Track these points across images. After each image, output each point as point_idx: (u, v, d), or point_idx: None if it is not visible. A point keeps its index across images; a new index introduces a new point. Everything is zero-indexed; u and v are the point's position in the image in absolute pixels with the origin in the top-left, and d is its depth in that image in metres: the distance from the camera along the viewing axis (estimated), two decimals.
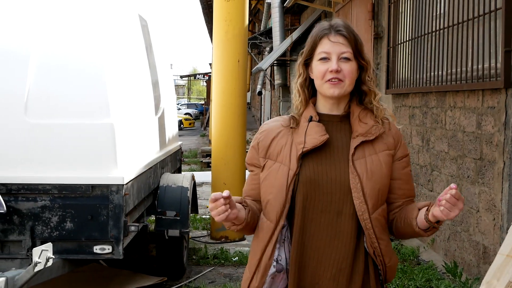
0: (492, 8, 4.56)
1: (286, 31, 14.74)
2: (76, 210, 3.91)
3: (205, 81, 46.22)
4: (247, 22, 6.85)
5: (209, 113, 29.37)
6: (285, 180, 1.99)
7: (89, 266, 5.29)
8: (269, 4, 15.57)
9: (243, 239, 6.68)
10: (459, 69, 5.18)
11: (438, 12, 5.85)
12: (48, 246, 3.46)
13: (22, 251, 3.89)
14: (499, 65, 4.41)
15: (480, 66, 4.76)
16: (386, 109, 2.08)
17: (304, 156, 2.00)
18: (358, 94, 2.07)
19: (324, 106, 2.06)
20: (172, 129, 6.49)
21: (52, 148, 3.94)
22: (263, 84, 20.72)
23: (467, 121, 5.03)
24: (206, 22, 31.82)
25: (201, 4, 26.37)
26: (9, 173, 3.88)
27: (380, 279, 2.05)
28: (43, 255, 3.40)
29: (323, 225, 1.99)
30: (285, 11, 14.44)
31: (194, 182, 5.90)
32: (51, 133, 3.94)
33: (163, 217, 5.09)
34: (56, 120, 3.96)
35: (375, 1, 7.84)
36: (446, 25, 5.50)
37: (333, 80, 1.97)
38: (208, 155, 14.64)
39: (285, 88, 15.33)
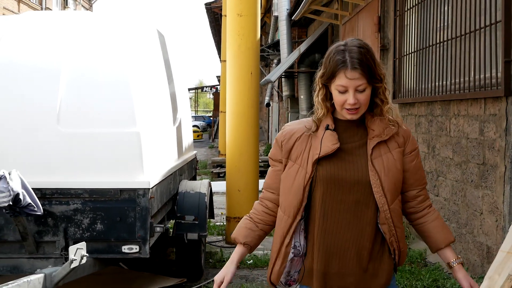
0: (493, 21, 4.77)
1: (293, 44, 15.01)
2: (106, 212, 4.20)
3: (212, 94, 46.56)
4: (259, 36, 7.14)
5: (217, 125, 29.68)
6: (303, 182, 2.29)
7: (110, 269, 5.55)
8: (276, 17, 15.86)
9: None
10: (462, 79, 5.42)
11: (442, 25, 6.10)
12: (83, 245, 3.75)
13: (56, 251, 4.18)
14: (499, 74, 4.64)
15: (482, 76, 4.99)
16: (394, 109, 2.36)
17: (324, 158, 2.28)
18: (370, 103, 2.32)
19: (342, 115, 2.33)
20: (188, 138, 6.78)
21: (83, 155, 4.24)
22: (271, 95, 21.00)
23: (470, 128, 5.27)
24: (213, 35, 32.13)
25: (208, 17, 26.67)
26: (44, 178, 4.19)
27: (394, 262, 2.34)
28: (78, 253, 3.70)
29: (343, 214, 2.28)
30: (292, 24, 14.73)
31: (211, 189, 6.17)
32: (82, 141, 4.25)
33: (182, 221, 5.35)
34: (86, 129, 4.27)
35: (381, 14, 8.08)
36: (449, 37, 5.74)
37: (351, 110, 2.24)
38: (219, 165, 14.93)
39: (293, 99, 15.60)
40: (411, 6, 6.99)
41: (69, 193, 4.20)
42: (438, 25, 6.15)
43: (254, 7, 7.02)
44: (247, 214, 2.51)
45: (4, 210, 3.86)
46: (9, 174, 3.79)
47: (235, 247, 2.55)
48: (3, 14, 23.71)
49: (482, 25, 4.99)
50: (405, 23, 7.20)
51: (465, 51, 5.34)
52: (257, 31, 7.10)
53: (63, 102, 4.31)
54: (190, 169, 6.78)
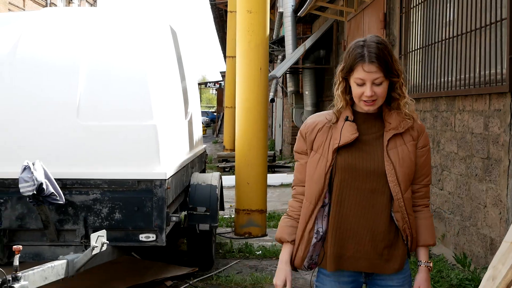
0: (498, 18, 4.90)
1: (298, 40, 15.12)
2: (124, 202, 4.36)
3: (216, 89, 46.62)
4: (268, 32, 7.29)
5: (221, 120, 29.78)
6: (324, 170, 2.44)
7: (124, 258, 5.71)
8: (281, 14, 15.96)
9: (265, 234, 7.12)
10: (467, 75, 5.54)
11: (447, 22, 6.23)
12: (103, 232, 3.91)
13: (76, 239, 4.35)
14: (504, 70, 4.77)
15: (487, 72, 5.13)
16: (411, 104, 2.50)
17: (343, 148, 2.43)
18: (388, 97, 2.46)
19: (361, 108, 2.48)
20: (198, 132, 6.94)
21: (102, 147, 4.41)
22: (275, 91, 21.10)
23: (475, 123, 5.41)
24: (217, 31, 32.16)
25: (212, 13, 26.67)
26: (64, 169, 4.35)
27: (407, 248, 2.49)
28: (99, 240, 3.86)
29: (359, 201, 2.43)
30: (297, 20, 14.84)
31: (221, 181, 6.33)
32: (101, 134, 4.42)
33: (194, 213, 5.51)
34: (105, 122, 4.43)
35: (386, 11, 8.19)
36: (455, 34, 5.87)
37: (368, 101, 2.39)
38: (224, 160, 15.09)
39: (298, 95, 15.74)
40: (417, 3, 7.12)
41: (89, 184, 4.36)
42: (444, 22, 6.27)
43: (264, 4, 7.18)
44: (285, 214, 2.62)
45: (28, 199, 4.02)
46: (33, 165, 3.95)
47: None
48: (9, 10, 23.85)
49: (487, 22, 5.12)
50: (411, 20, 7.33)
51: (470, 48, 5.47)
52: (266, 28, 7.25)
53: (82, 97, 4.47)
54: (201, 162, 6.93)
